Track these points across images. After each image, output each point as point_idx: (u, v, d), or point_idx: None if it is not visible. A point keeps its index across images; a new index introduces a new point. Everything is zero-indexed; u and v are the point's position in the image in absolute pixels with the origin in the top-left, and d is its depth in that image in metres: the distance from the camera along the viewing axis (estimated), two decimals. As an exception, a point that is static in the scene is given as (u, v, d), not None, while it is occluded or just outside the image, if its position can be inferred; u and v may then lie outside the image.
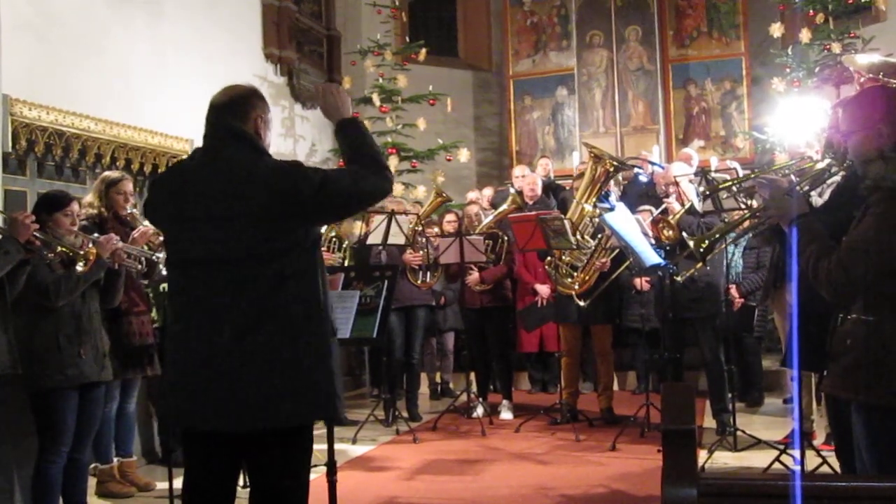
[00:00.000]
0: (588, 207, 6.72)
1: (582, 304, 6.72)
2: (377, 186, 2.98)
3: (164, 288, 5.54)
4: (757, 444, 5.81)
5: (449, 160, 10.94)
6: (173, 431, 4.75)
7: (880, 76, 4.20)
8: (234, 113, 3.00)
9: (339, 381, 2.98)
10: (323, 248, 7.09)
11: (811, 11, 9.66)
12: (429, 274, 7.61)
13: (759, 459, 5.54)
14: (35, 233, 4.14)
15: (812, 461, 5.10)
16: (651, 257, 6.08)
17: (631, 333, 8.33)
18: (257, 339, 2.81)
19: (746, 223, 3.86)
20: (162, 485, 5.26)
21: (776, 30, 9.97)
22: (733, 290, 6.82)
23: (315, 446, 3.07)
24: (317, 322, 2.92)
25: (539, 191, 8.50)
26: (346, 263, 7.33)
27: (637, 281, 7.47)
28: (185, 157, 7.62)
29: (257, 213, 2.82)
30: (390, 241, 7.12)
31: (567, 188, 9.35)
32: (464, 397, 7.59)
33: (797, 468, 4.65)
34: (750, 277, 7.07)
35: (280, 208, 2.83)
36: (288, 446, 2.91)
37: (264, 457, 2.91)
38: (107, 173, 5.53)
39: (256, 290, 2.83)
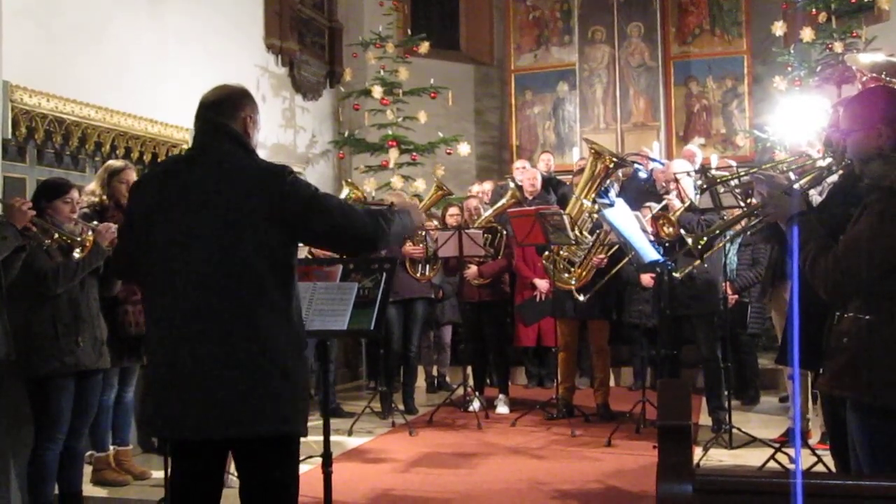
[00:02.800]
0: (587, 203, 6.72)
1: (581, 298, 6.73)
2: (364, 230, 2.99)
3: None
4: (752, 441, 5.81)
5: (449, 153, 10.93)
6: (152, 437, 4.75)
7: (882, 76, 4.20)
8: (223, 111, 3.02)
9: (307, 395, 2.98)
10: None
11: (813, 10, 9.65)
12: (428, 267, 7.62)
13: (754, 457, 5.55)
14: (32, 219, 4.14)
15: (807, 460, 5.11)
16: (650, 253, 6.08)
17: (631, 329, 8.34)
18: (235, 346, 2.80)
19: (745, 221, 3.86)
20: (157, 473, 5.26)
21: (778, 28, 9.97)
22: (727, 287, 6.82)
23: (311, 437, 3.08)
24: (293, 332, 2.93)
25: (539, 186, 8.51)
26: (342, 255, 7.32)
27: (644, 277, 7.47)
28: (184, 146, 7.70)
29: (244, 209, 2.83)
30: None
31: (567, 184, 9.35)
32: (460, 391, 7.59)
33: (794, 466, 4.65)
34: (744, 274, 7.09)
35: (265, 207, 2.83)
36: (273, 449, 2.91)
37: (250, 458, 2.93)
38: (110, 162, 5.52)
39: (237, 294, 2.82)
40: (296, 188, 2.90)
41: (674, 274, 6.01)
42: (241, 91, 3.13)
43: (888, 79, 4.17)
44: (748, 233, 5.20)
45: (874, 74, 4.25)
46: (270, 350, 2.84)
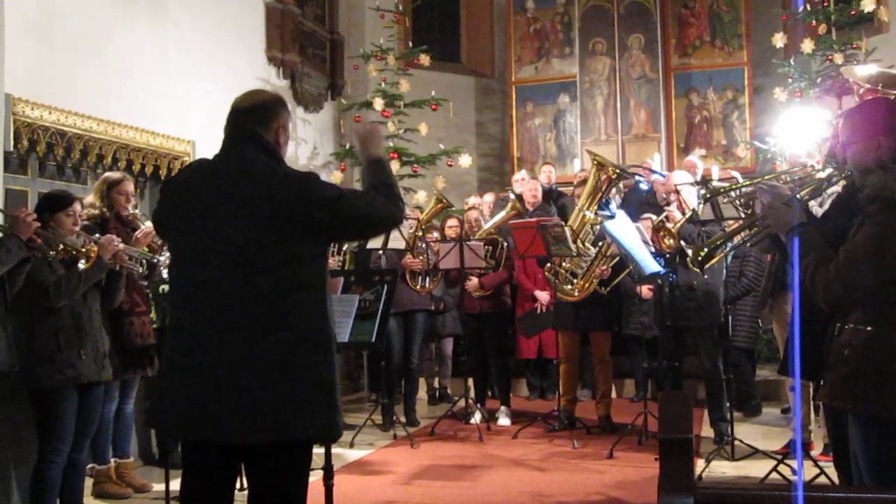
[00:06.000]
0: (589, 215, 6.73)
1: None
2: (388, 212, 3.02)
3: (163, 289, 5.54)
4: (754, 453, 5.80)
5: (450, 165, 10.95)
6: (166, 439, 4.76)
7: (879, 87, 4.21)
8: (258, 119, 3.01)
9: (339, 395, 2.98)
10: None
11: (814, 22, 9.69)
12: (428, 279, 7.61)
13: (756, 469, 5.53)
14: (37, 231, 4.14)
15: (809, 471, 5.10)
16: (651, 265, 6.08)
17: (631, 341, 8.33)
18: (261, 349, 2.79)
19: (745, 232, 3.86)
20: (158, 486, 5.25)
21: (778, 40, 10.00)
22: None
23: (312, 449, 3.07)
24: (321, 335, 2.92)
25: (540, 197, 8.51)
26: (345, 267, 7.33)
27: (643, 289, 7.47)
28: (186, 158, 7.72)
29: (269, 216, 2.82)
30: (390, 245, 7.12)
31: (567, 195, 9.36)
32: (462, 403, 7.58)
33: (795, 478, 4.64)
34: (728, 288, 7.04)
35: (292, 215, 2.83)
36: (287, 456, 2.90)
37: (263, 466, 2.91)
38: (108, 174, 5.53)
39: (262, 298, 2.81)
40: (324, 193, 2.90)
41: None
42: (276, 99, 3.12)
43: (884, 90, 4.18)
44: (748, 244, 5.20)
45: (870, 86, 4.26)
46: (304, 354, 2.83)
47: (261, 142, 2.98)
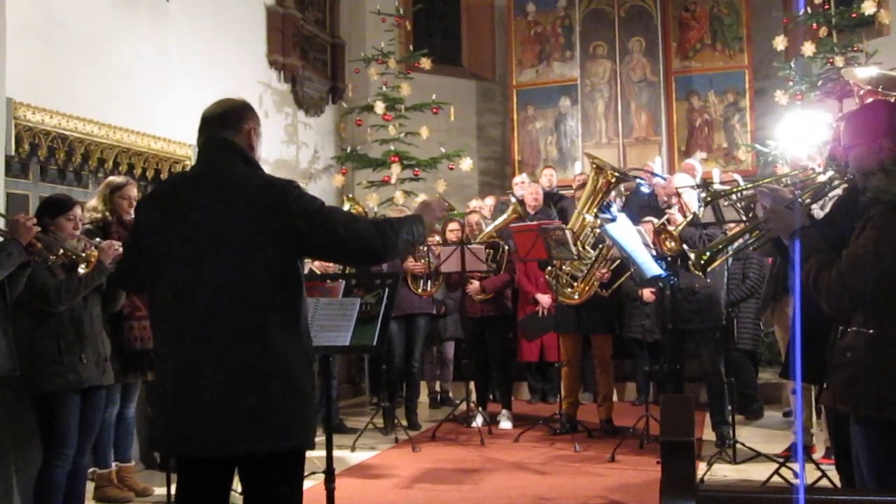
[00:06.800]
0: (589, 218, 6.73)
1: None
2: (369, 241, 2.97)
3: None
4: (756, 456, 5.79)
5: (451, 169, 10.95)
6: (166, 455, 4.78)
7: (879, 89, 4.21)
8: (227, 125, 3.02)
9: (313, 406, 2.99)
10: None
11: (814, 25, 9.69)
12: (429, 282, 7.61)
13: (758, 472, 5.52)
14: (37, 235, 4.14)
15: (811, 475, 5.09)
16: (652, 268, 6.08)
17: (632, 344, 8.32)
18: (242, 360, 2.80)
19: (747, 235, 3.86)
20: (160, 490, 5.25)
21: (779, 43, 10.01)
22: None
23: (314, 453, 3.08)
24: (300, 345, 2.92)
25: (541, 201, 8.51)
26: (346, 271, 7.32)
27: (645, 292, 7.46)
28: (187, 162, 7.72)
29: (249, 224, 2.83)
30: (391, 248, 7.10)
31: (567, 197, 9.36)
32: (463, 406, 7.57)
33: (797, 481, 4.63)
34: (733, 290, 7.04)
35: (271, 221, 2.83)
36: (279, 464, 2.91)
37: (255, 473, 2.93)
38: (111, 178, 5.54)
39: (242, 308, 2.81)
40: (301, 203, 2.89)
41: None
42: (244, 104, 3.12)
43: (885, 92, 4.18)
44: (751, 248, 5.20)
45: (870, 88, 4.27)
46: (282, 366, 2.84)
47: (234, 147, 2.98)
